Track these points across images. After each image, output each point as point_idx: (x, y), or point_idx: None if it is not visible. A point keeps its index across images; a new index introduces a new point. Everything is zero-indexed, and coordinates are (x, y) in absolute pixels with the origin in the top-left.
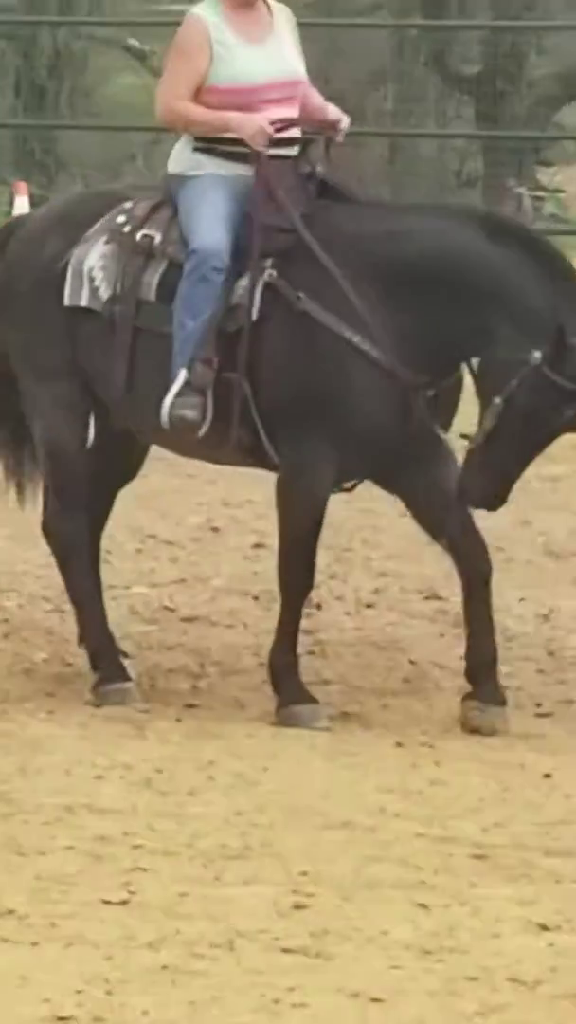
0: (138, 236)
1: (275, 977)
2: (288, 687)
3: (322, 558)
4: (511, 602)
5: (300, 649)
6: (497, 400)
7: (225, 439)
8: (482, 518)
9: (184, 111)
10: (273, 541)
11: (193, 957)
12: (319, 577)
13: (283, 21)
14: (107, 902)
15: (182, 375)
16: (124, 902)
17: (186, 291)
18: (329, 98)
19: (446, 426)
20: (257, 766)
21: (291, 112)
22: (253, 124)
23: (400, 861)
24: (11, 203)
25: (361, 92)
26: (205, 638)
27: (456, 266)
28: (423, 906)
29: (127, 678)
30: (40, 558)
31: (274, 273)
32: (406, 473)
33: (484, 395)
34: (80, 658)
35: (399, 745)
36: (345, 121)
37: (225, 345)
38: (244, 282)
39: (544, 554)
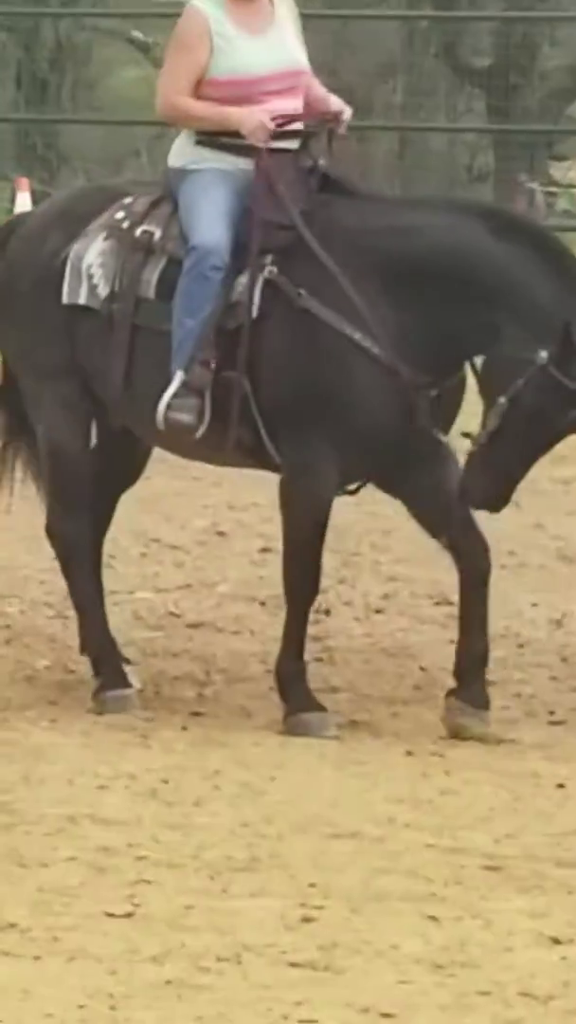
0: (137, 232)
1: (283, 992)
2: (296, 695)
3: (330, 562)
4: (524, 607)
5: (308, 656)
6: (502, 400)
7: (225, 439)
8: (494, 521)
9: (184, 106)
10: (280, 545)
11: (199, 971)
12: (327, 582)
13: (284, 11)
14: (111, 915)
15: (179, 376)
16: (128, 915)
17: (185, 289)
18: (337, 91)
19: (448, 425)
20: (264, 776)
21: (293, 103)
22: (253, 119)
23: (410, 873)
24: (12, 199)
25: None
26: (211, 644)
27: (460, 262)
28: (433, 919)
29: (128, 684)
30: (42, 563)
31: (274, 270)
32: (407, 472)
33: (488, 394)
34: (83, 665)
35: (409, 754)
36: (347, 112)
37: (225, 343)
38: (244, 279)
39: (557, 558)
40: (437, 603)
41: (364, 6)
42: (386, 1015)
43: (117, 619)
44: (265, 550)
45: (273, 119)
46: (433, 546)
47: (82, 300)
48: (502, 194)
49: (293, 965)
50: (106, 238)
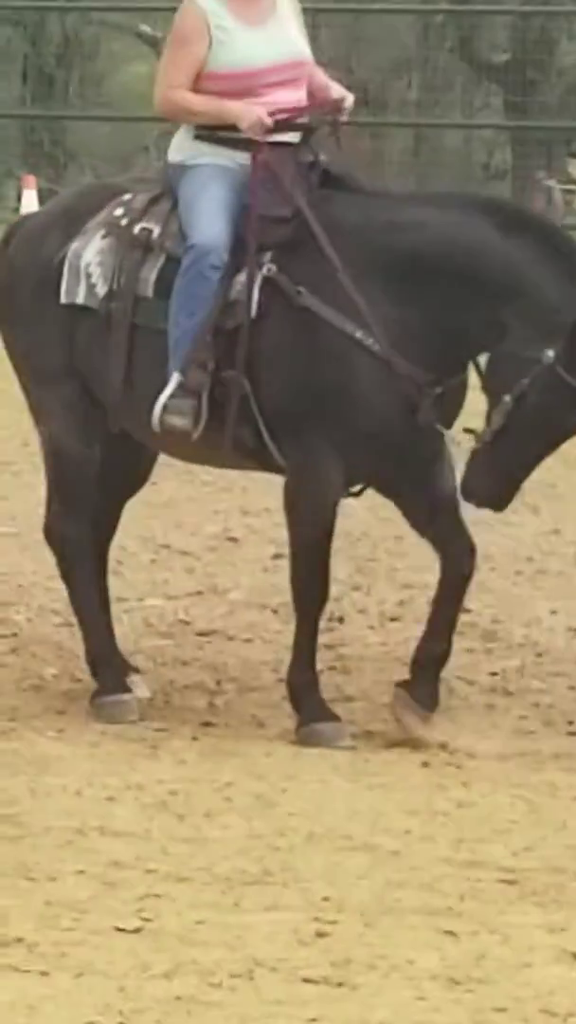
0: (136, 229)
1: (296, 1008)
2: (309, 704)
3: (344, 569)
4: (542, 615)
5: (321, 664)
6: (507, 399)
7: (224, 440)
8: (511, 527)
9: (182, 100)
10: None
11: (210, 987)
12: (341, 589)
13: (285, 1)
14: (120, 929)
15: (175, 378)
16: (138, 930)
17: (182, 288)
18: (350, 87)
19: (450, 423)
20: (276, 787)
21: (295, 95)
22: (251, 114)
23: (426, 886)
24: (19, 197)
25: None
26: (222, 653)
27: (465, 258)
28: (450, 934)
29: (127, 690)
30: (48, 570)
31: (273, 267)
32: (406, 471)
33: (493, 392)
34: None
35: (425, 765)
36: (349, 100)
37: (224, 343)
38: (242, 277)
39: None
40: None
41: (378, 0)
42: None
43: (126, 627)
44: (277, 556)
45: (271, 113)
46: None
47: (80, 299)
48: (519, 192)
49: (306, 981)
50: (105, 236)
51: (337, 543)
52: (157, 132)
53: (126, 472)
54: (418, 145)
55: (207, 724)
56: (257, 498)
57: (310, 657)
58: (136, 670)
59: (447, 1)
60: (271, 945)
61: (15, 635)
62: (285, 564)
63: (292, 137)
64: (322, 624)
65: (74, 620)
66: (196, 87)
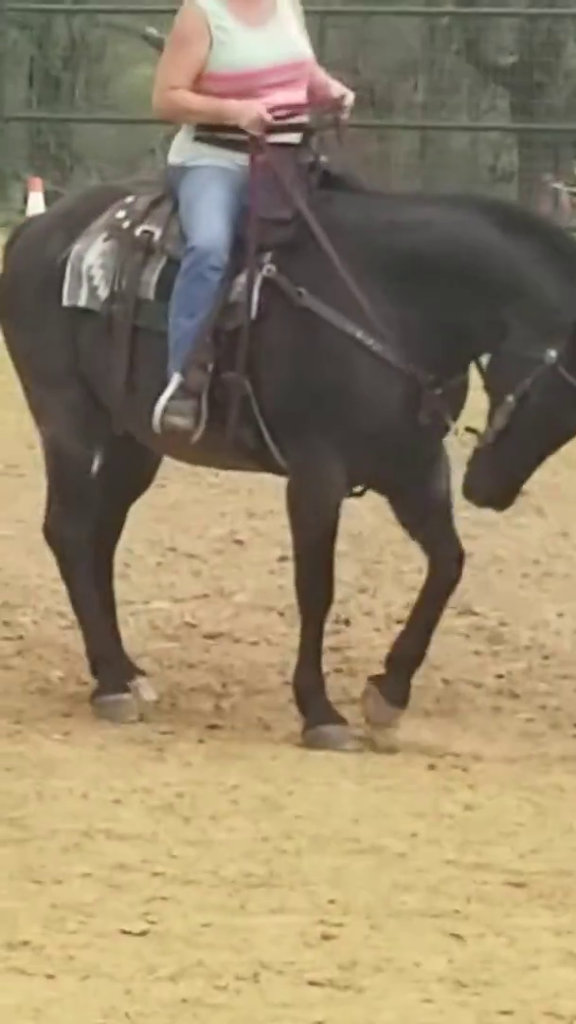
0: (137, 232)
1: (302, 1011)
2: (315, 707)
3: (350, 571)
4: (549, 618)
5: (328, 667)
6: (510, 399)
7: (225, 441)
8: (518, 529)
9: (180, 99)
10: None
11: (216, 990)
12: (347, 591)
13: (286, 2)
14: (126, 932)
15: (176, 379)
16: (144, 932)
17: (182, 289)
18: (357, 89)
19: (452, 423)
20: (283, 790)
21: (295, 95)
22: (251, 111)
23: (432, 889)
24: (25, 200)
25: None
26: (228, 655)
27: (466, 258)
28: (456, 936)
29: (126, 690)
30: (55, 572)
31: (273, 268)
32: (405, 471)
33: (495, 392)
34: None
35: (431, 768)
36: (350, 97)
37: (224, 344)
38: (242, 279)
39: None
40: (460, 613)
41: (385, 3)
42: None
43: (133, 629)
44: (283, 559)
45: (271, 111)
46: None
47: (82, 302)
48: (526, 194)
49: (312, 983)
50: (106, 238)
51: (343, 545)
52: (163, 135)
53: (130, 475)
54: (424, 147)
55: (213, 727)
56: (263, 501)
57: (316, 660)
58: (142, 673)
59: (453, 3)
60: (277, 948)
61: (21, 638)
62: (291, 567)
63: (292, 138)
64: (328, 627)
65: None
66: (196, 88)
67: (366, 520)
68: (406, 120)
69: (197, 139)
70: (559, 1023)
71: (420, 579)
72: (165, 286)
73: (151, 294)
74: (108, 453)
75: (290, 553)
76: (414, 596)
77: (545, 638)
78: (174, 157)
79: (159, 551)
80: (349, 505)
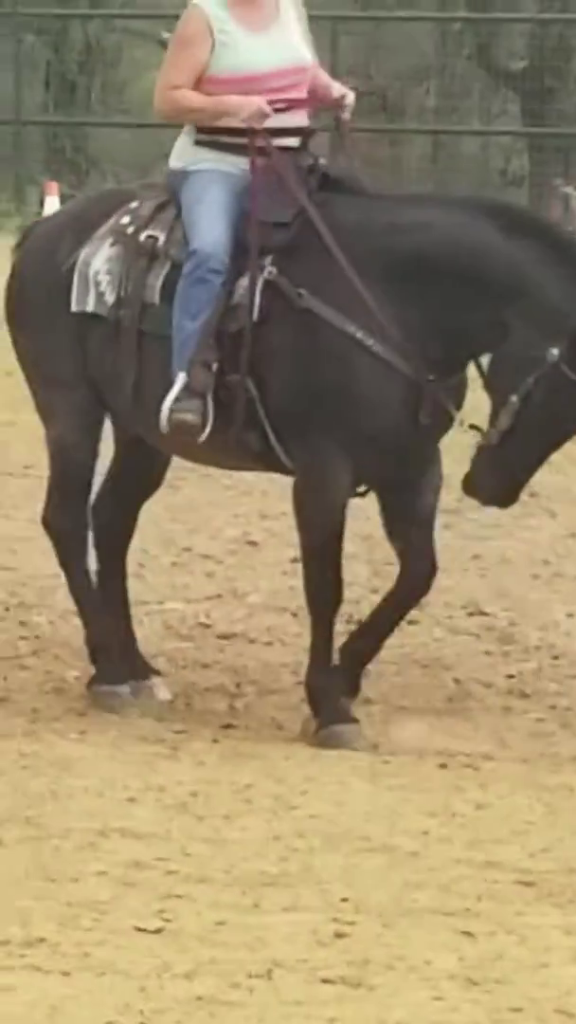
0: (142, 237)
1: (315, 1008)
2: (327, 707)
3: (362, 572)
4: (559, 618)
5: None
6: (514, 398)
7: (231, 442)
8: (528, 531)
9: (182, 98)
10: None
11: (230, 987)
12: (359, 592)
13: (289, 7)
14: (141, 930)
15: (180, 378)
16: (158, 930)
17: (184, 292)
18: (369, 94)
19: (450, 424)
20: (296, 789)
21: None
22: (251, 104)
23: (444, 887)
24: (41, 203)
25: (403, 88)
26: (242, 656)
27: (467, 259)
28: (468, 934)
29: (122, 682)
30: None
31: (274, 271)
32: (403, 472)
33: (498, 392)
34: None
35: (443, 767)
36: (350, 97)
37: (228, 346)
38: (244, 281)
39: None
40: (471, 614)
41: (397, 8)
42: None
43: (147, 629)
44: (296, 560)
45: (271, 102)
46: (467, 557)
47: (90, 307)
48: (537, 198)
49: (325, 981)
50: (113, 244)
51: (354, 547)
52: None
53: (140, 476)
54: (436, 151)
55: (227, 726)
56: (276, 502)
57: (327, 660)
58: (157, 672)
59: (465, 9)
60: (290, 946)
61: (37, 637)
62: None
63: (292, 142)
64: (340, 627)
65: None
66: (198, 91)
67: (376, 522)
68: (418, 124)
69: (198, 143)
70: (570, 1021)
71: None
72: (170, 290)
73: (156, 298)
74: (117, 454)
75: None
76: (425, 597)
77: (555, 638)
78: (175, 161)
79: (174, 552)
80: (359, 507)
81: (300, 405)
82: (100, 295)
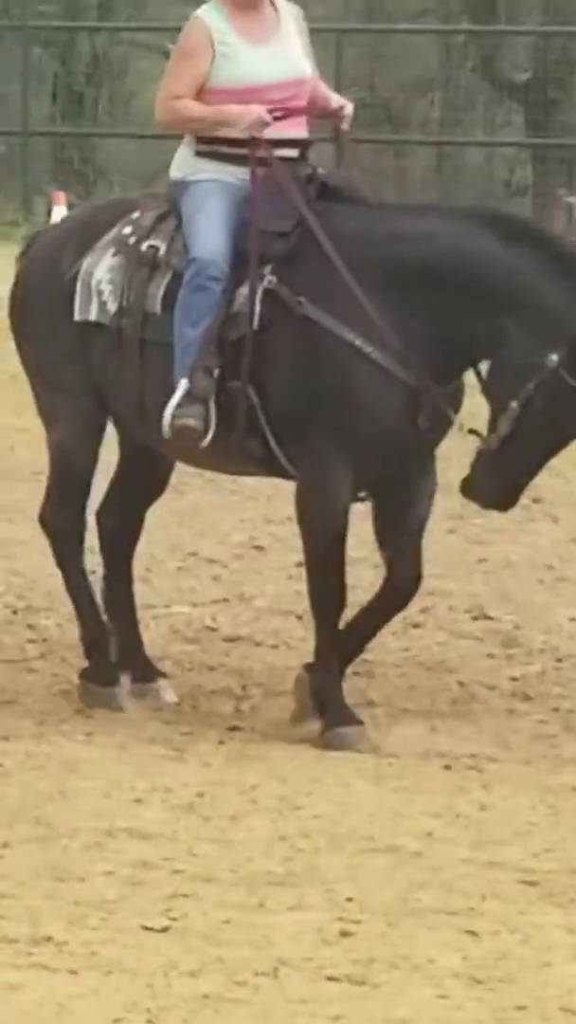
0: (143, 247)
1: (320, 1006)
2: (333, 709)
3: (367, 576)
4: (563, 622)
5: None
6: (514, 405)
7: (233, 447)
8: (532, 535)
9: (182, 107)
10: None
11: (236, 986)
12: (364, 596)
13: (290, 20)
14: (148, 929)
15: (182, 384)
16: (165, 929)
17: (185, 300)
18: (374, 105)
19: (448, 427)
20: (301, 790)
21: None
22: (251, 113)
23: (448, 887)
24: (49, 213)
25: (407, 99)
26: (248, 659)
27: (467, 268)
28: (472, 933)
29: (113, 682)
30: None
31: (274, 279)
32: (402, 476)
33: (497, 399)
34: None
35: (447, 768)
36: (349, 108)
37: (229, 353)
38: (244, 290)
39: None
40: (475, 617)
41: (401, 20)
42: None
43: (154, 633)
44: (302, 564)
45: (271, 110)
46: (471, 560)
47: (93, 316)
48: (540, 209)
49: (330, 979)
50: (115, 254)
51: (361, 551)
52: None
53: (145, 480)
54: (440, 162)
55: (233, 728)
56: (282, 507)
57: (332, 662)
58: (164, 675)
59: (469, 21)
60: (296, 944)
61: (45, 640)
62: None
63: (291, 152)
64: None
65: (106, 625)
66: (198, 101)
67: None
68: (422, 136)
69: (198, 154)
70: (573, 1019)
71: (436, 584)
72: (171, 300)
73: (158, 308)
74: (121, 459)
75: None
76: (430, 601)
77: (558, 641)
78: (175, 172)
79: (180, 556)
80: (365, 511)
81: (300, 411)
82: (102, 304)
